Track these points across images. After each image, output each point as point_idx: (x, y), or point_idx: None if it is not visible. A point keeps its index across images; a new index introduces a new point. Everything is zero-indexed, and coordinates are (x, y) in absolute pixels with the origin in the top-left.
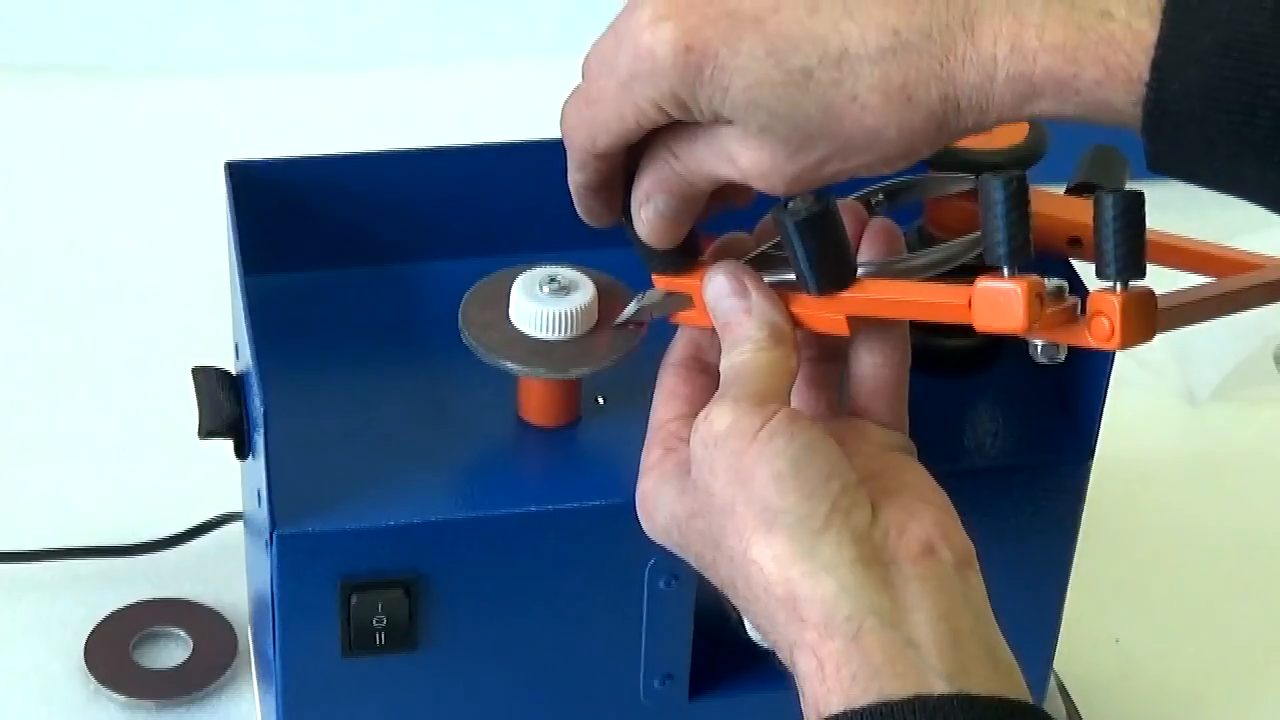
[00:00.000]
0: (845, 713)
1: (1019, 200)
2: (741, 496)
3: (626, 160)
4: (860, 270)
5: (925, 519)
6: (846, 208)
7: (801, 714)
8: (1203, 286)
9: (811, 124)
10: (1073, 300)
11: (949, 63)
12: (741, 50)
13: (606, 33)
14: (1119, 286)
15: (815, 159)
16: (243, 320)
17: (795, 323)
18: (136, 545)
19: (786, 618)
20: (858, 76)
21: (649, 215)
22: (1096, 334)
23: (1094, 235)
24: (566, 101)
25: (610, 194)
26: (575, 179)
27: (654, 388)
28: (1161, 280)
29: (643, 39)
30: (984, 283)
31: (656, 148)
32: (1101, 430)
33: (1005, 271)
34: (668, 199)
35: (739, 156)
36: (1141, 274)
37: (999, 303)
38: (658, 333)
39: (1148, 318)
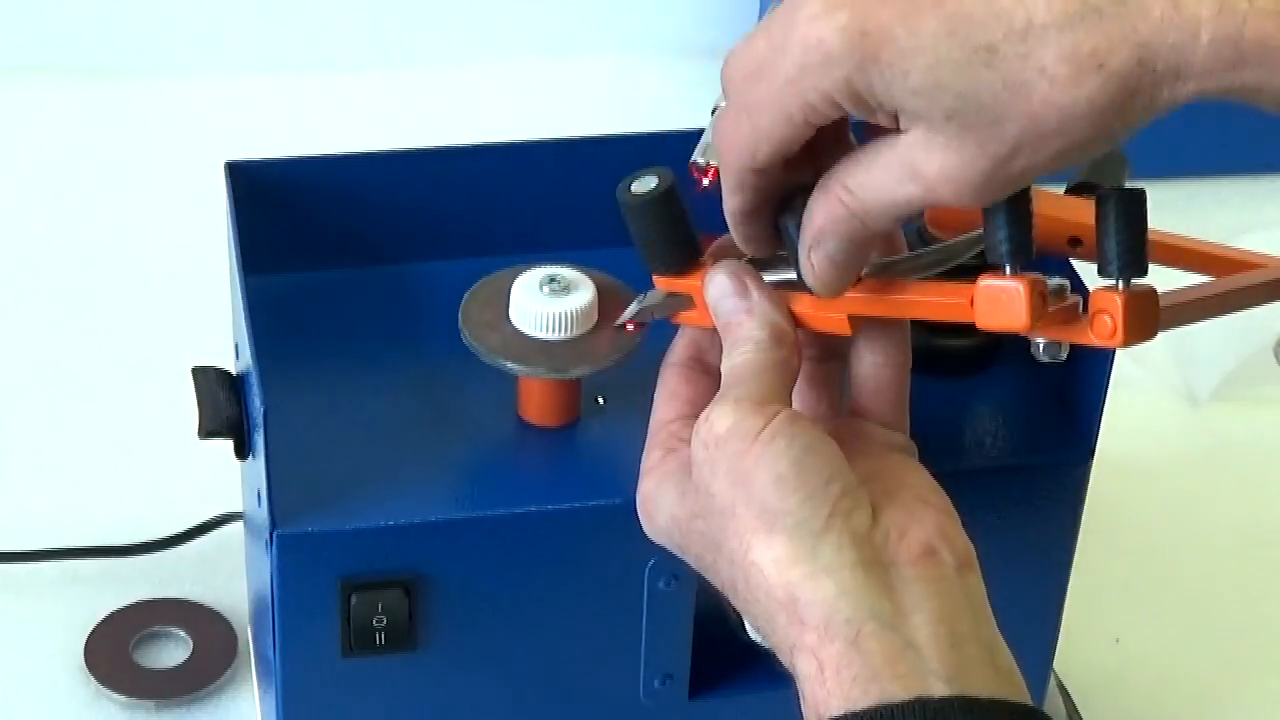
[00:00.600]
0: (846, 715)
1: (1020, 200)
2: (742, 498)
3: (784, 182)
4: (861, 270)
5: (926, 521)
6: None
7: (801, 716)
8: (1203, 285)
9: (999, 104)
10: (1075, 298)
11: (1144, 25)
12: (922, 31)
13: (754, 38)
14: (1121, 284)
15: (1006, 148)
16: (243, 320)
17: (796, 323)
18: (136, 545)
19: (787, 620)
20: (1045, 47)
21: (820, 261)
22: (1099, 332)
23: (1096, 233)
24: (718, 120)
25: (768, 218)
26: (733, 203)
27: (654, 388)
28: (1163, 280)
29: (813, 30)
30: (986, 281)
31: (828, 186)
32: (1101, 430)
33: (1007, 270)
34: (840, 243)
35: (924, 165)
36: (1143, 272)
37: (1001, 301)
38: (658, 333)
39: (1150, 315)
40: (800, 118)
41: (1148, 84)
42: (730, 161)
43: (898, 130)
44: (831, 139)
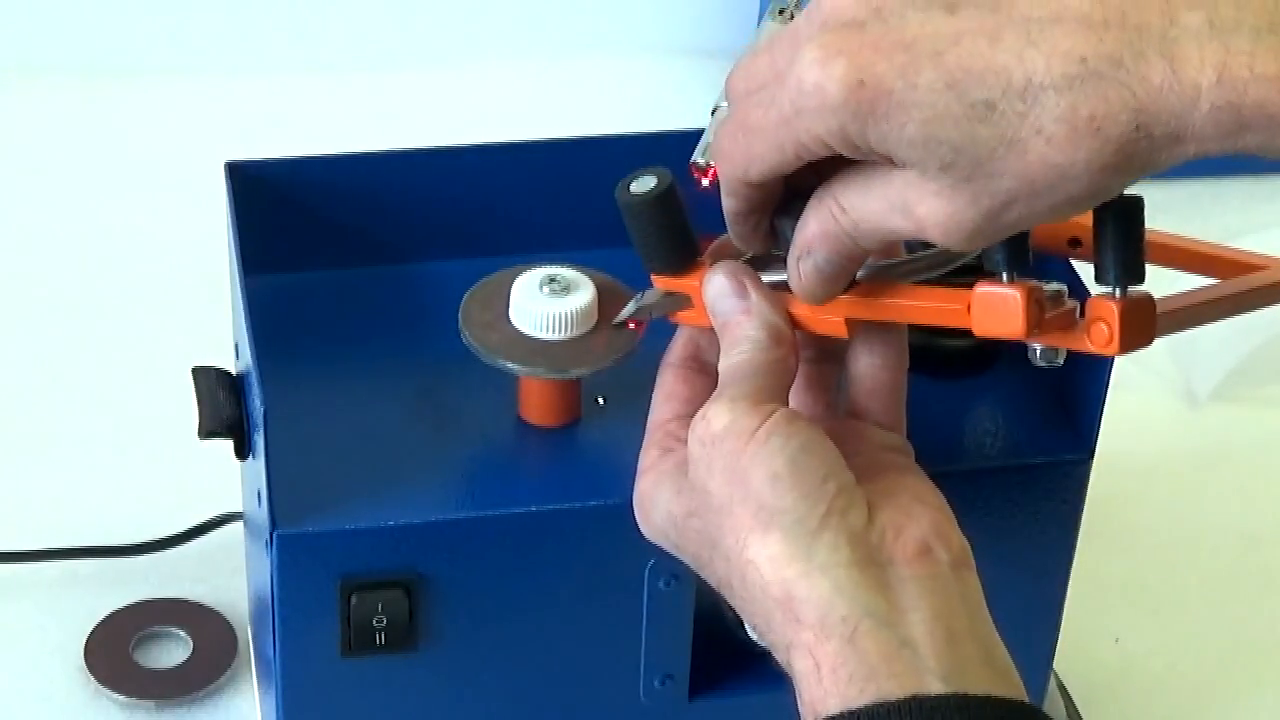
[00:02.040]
0: (842, 714)
1: None
2: (738, 496)
3: (780, 191)
4: (859, 272)
5: (922, 520)
6: None
7: (798, 714)
8: (1203, 289)
9: (995, 160)
10: (1072, 304)
11: (1143, 91)
12: (919, 84)
13: (759, 55)
14: (1118, 292)
15: (999, 201)
16: (243, 320)
17: (794, 324)
18: (136, 545)
19: (783, 618)
20: (1043, 108)
21: (807, 270)
22: (1095, 339)
23: (1093, 240)
24: (719, 126)
25: (762, 219)
26: (727, 204)
27: (653, 388)
28: (1163, 281)
29: (809, 75)
30: (983, 288)
31: (823, 199)
32: (1101, 430)
33: (1004, 277)
34: (829, 256)
35: (916, 205)
36: (1140, 279)
37: (998, 308)
38: (657, 333)
39: (1146, 323)
40: (791, 152)
41: (1145, 148)
42: (726, 170)
43: (889, 166)
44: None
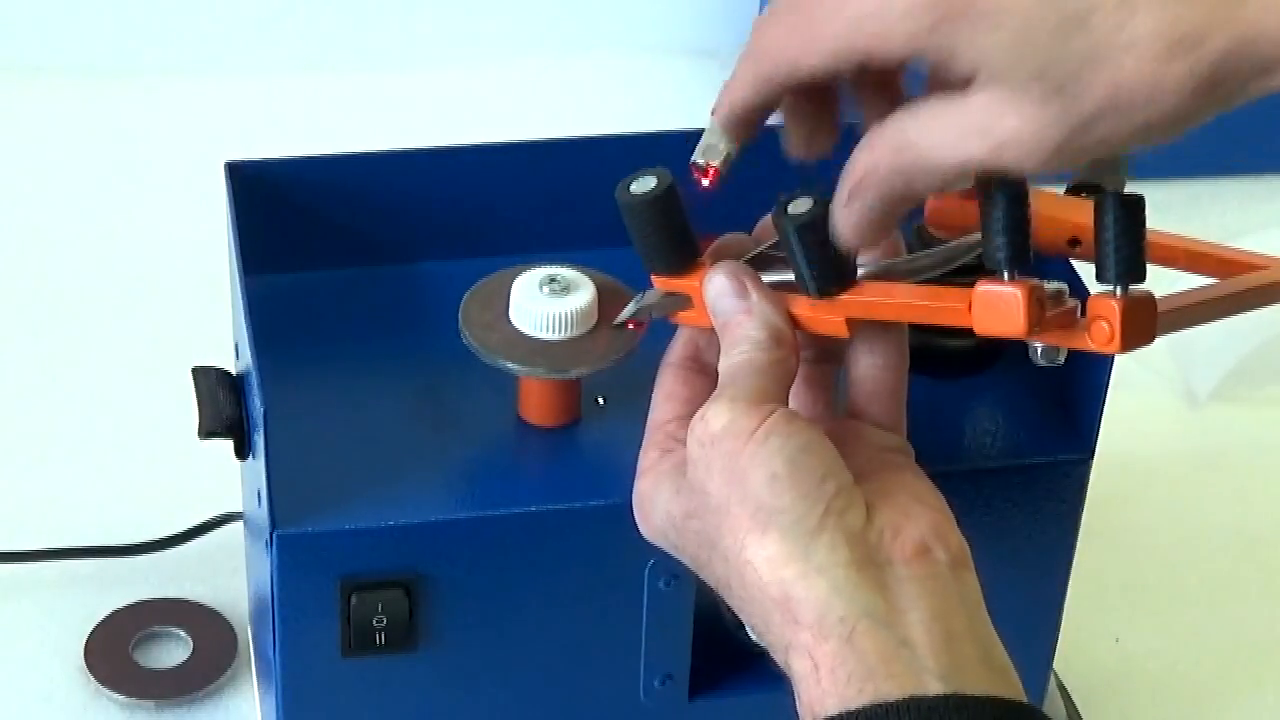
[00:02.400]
0: (841, 714)
1: (1018, 204)
2: (737, 496)
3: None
4: (859, 272)
5: (921, 520)
6: None
7: (797, 715)
8: (1204, 289)
9: (1086, 72)
10: (1073, 303)
11: (1243, 13)
12: None
13: None
14: (1119, 290)
15: (1085, 117)
16: (243, 320)
17: (794, 324)
18: (136, 545)
19: (781, 619)
20: (1139, 21)
21: (858, 209)
22: (1096, 338)
23: (1094, 239)
24: (767, 16)
25: (751, 128)
26: (737, 95)
27: (653, 388)
28: (1163, 281)
29: None
30: (984, 286)
31: (881, 134)
32: (1101, 430)
33: (1005, 275)
34: (881, 196)
35: (996, 124)
36: (1142, 278)
37: (999, 307)
38: (657, 333)
39: (1147, 322)
40: (861, 49)
41: (1239, 72)
42: (763, 63)
43: (963, 90)
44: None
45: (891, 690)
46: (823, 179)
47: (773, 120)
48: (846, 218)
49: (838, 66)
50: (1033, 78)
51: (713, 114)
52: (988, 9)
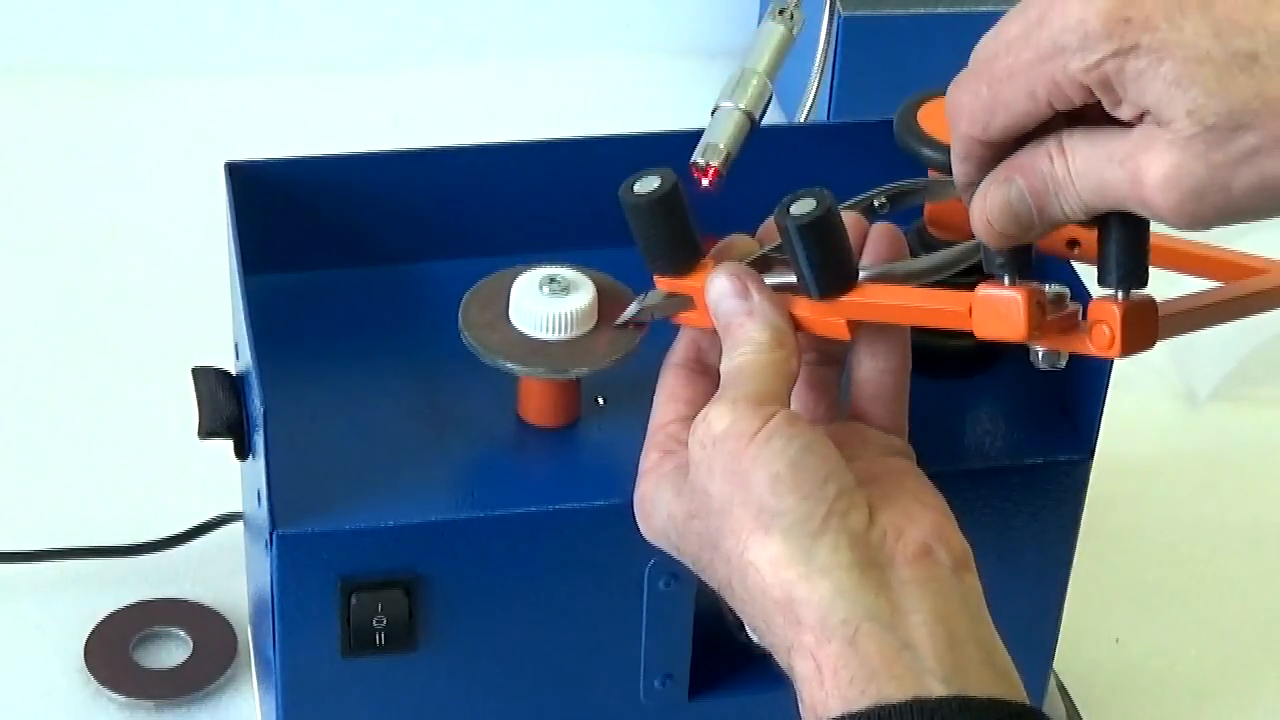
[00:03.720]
0: (843, 716)
1: None
2: (739, 498)
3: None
4: (861, 274)
5: (922, 522)
6: (846, 216)
7: (799, 717)
8: (1205, 293)
9: (1248, 112)
10: (1074, 307)
11: None
12: (1185, 27)
13: (1008, 21)
14: (1120, 295)
15: (1234, 158)
16: (243, 320)
17: (796, 326)
18: (136, 545)
19: (784, 620)
20: None
21: (997, 198)
22: (1097, 342)
23: (1097, 243)
24: (955, 83)
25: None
26: (959, 170)
27: (654, 389)
28: (1164, 281)
29: (1074, 9)
30: (985, 290)
31: (1045, 139)
32: (1101, 430)
33: (1005, 279)
34: (1025, 195)
35: (1139, 154)
36: (1143, 283)
37: (1000, 311)
38: (659, 334)
39: (1149, 326)
40: (1044, 95)
41: None
42: (961, 125)
43: (1131, 125)
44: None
45: (894, 692)
46: (825, 181)
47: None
48: (986, 201)
49: (1027, 115)
50: (1190, 112)
51: (712, 112)
52: (1156, 41)
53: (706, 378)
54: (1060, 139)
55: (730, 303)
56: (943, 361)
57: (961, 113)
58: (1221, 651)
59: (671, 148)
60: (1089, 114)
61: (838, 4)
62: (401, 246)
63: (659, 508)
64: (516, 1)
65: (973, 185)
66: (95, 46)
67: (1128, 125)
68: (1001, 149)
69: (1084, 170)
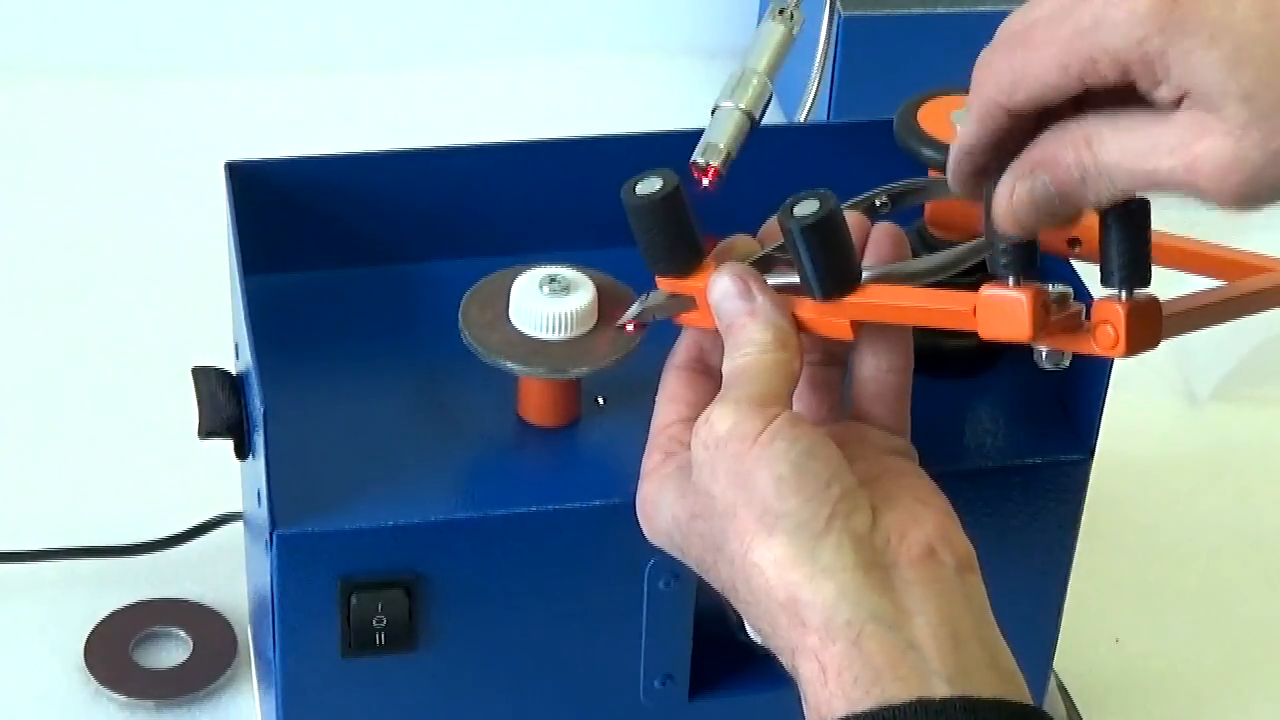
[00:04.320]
0: (848, 717)
1: None
2: (742, 499)
3: (1029, 135)
4: (864, 275)
5: (926, 523)
6: (849, 216)
7: (803, 717)
8: (1209, 292)
9: None
10: (1077, 307)
11: None
12: (1235, 10)
13: None
14: (1124, 294)
15: None
16: (243, 320)
17: (799, 326)
18: (136, 545)
19: (788, 621)
20: None
21: (1022, 192)
22: (1101, 342)
23: (1099, 243)
24: (986, 49)
25: (993, 160)
26: (966, 133)
27: (655, 389)
28: (1165, 281)
29: None
30: (989, 291)
31: (1069, 128)
32: (1101, 430)
33: (1009, 280)
34: (1050, 188)
35: (1194, 142)
36: (1146, 282)
37: (1004, 311)
38: (659, 334)
39: (1152, 325)
40: (1076, 70)
41: None
42: (985, 89)
43: (1170, 109)
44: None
45: (899, 693)
46: (825, 181)
47: None
48: (1012, 195)
49: (1056, 88)
50: (1242, 99)
51: (712, 112)
52: (1206, 22)
53: (709, 379)
54: (1085, 129)
55: (732, 303)
56: (944, 361)
57: (989, 77)
58: (1221, 651)
59: (671, 148)
60: (1097, 97)
61: (838, 4)
62: (401, 246)
63: (662, 509)
64: (516, 1)
65: (975, 150)
66: (95, 46)
67: (1154, 107)
68: (1020, 121)
69: (1127, 160)
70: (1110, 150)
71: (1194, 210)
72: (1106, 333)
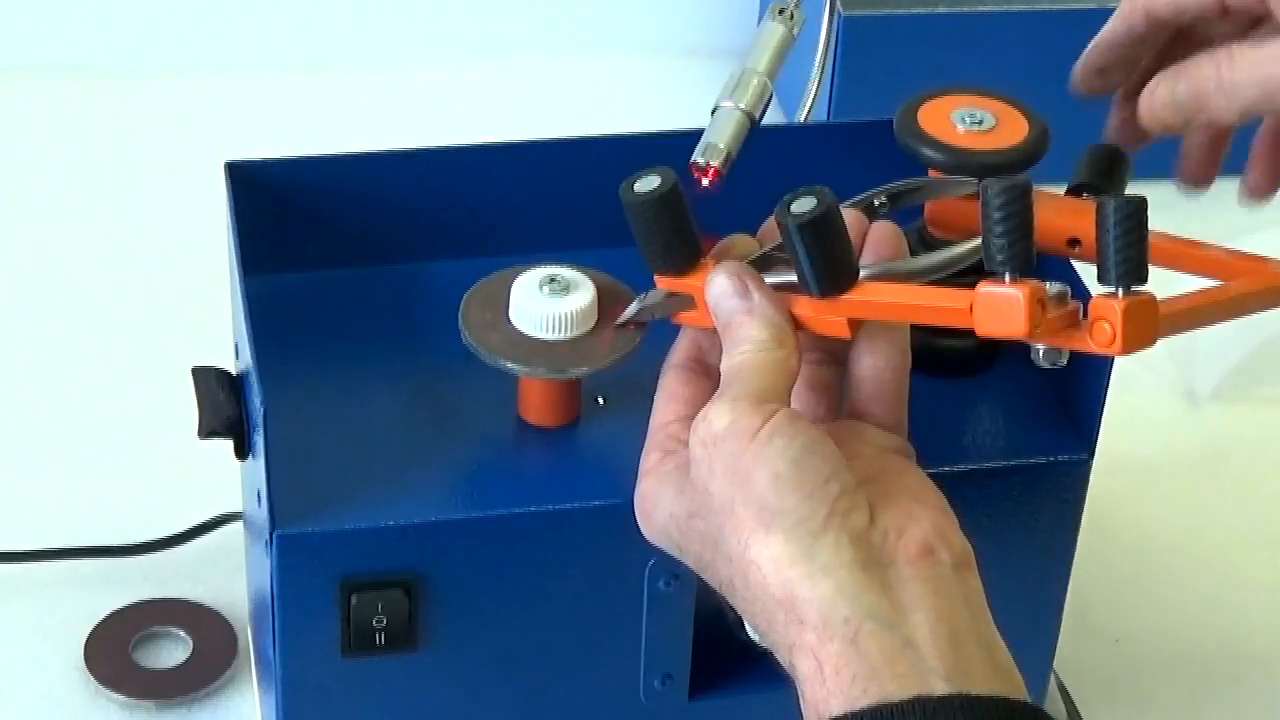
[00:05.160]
0: (846, 715)
1: (1020, 209)
2: (740, 497)
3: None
4: (862, 273)
5: (923, 521)
6: (847, 214)
7: (801, 716)
8: (1206, 291)
9: None
10: (1074, 305)
11: None
12: None
13: None
14: (1121, 292)
15: None
16: (243, 320)
17: (796, 325)
18: (136, 545)
19: (785, 619)
20: None
21: (1164, 93)
22: (1098, 339)
23: (1096, 241)
24: None
25: (1122, 62)
26: (1105, 29)
27: (654, 388)
28: (1164, 280)
29: None
30: (986, 288)
31: (1219, 48)
32: (1101, 430)
33: (1006, 277)
34: (1191, 95)
35: None
36: (1143, 280)
37: (1001, 308)
38: (659, 333)
39: (1149, 323)
40: None
41: None
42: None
43: None
44: None
45: (896, 691)
46: (825, 181)
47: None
48: (1154, 94)
49: (1200, 4)
50: None
51: (712, 112)
52: None
53: (707, 377)
54: (1230, 48)
55: (730, 302)
56: (943, 361)
57: None
58: (1222, 651)
59: (671, 148)
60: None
61: (838, 4)
62: (401, 246)
63: (660, 507)
64: (516, 2)
65: (1110, 44)
66: (95, 46)
67: None
68: (1156, 30)
69: (1249, 74)
70: (1242, 65)
71: (1194, 210)
72: (1103, 330)
